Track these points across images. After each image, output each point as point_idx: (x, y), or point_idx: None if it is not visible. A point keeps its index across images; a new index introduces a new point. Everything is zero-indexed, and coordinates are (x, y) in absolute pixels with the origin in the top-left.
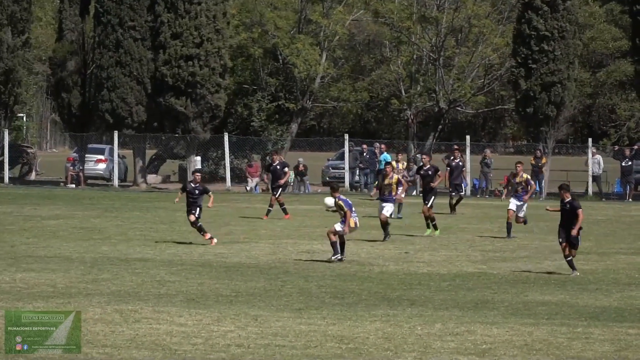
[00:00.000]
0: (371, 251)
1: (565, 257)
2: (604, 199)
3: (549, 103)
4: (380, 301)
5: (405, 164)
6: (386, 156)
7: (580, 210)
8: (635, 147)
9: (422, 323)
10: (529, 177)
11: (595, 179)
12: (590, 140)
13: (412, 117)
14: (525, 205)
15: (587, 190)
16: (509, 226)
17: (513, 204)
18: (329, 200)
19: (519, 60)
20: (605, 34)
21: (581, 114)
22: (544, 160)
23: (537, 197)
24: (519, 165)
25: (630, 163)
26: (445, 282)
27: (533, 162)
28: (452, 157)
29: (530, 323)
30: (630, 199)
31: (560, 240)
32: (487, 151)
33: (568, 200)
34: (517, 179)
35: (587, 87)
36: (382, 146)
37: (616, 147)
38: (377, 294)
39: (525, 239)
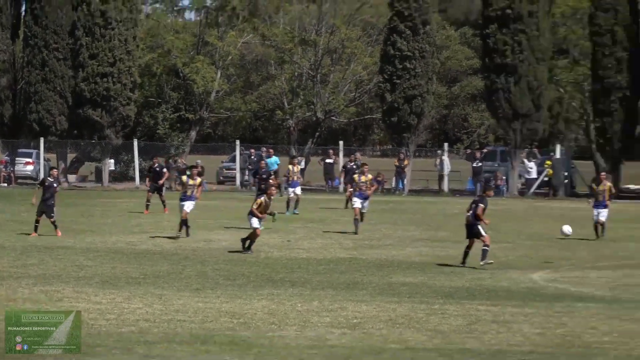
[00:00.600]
0: (258, 240)
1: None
2: (456, 195)
3: (411, 113)
4: (265, 282)
5: (299, 167)
6: (275, 159)
7: (480, 206)
8: (485, 150)
9: (302, 301)
10: (371, 176)
11: (442, 177)
12: (446, 144)
13: (293, 125)
14: (368, 201)
15: (439, 187)
16: (356, 222)
17: (358, 202)
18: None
19: (385, 77)
20: (459, 54)
21: (438, 122)
22: (406, 162)
23: (400, 194)
24: (365, 166)
25: (480, 164)
26: (321, 266)
27: (397, 163)
28: (326, 159)
29: (394, 301)
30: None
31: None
32: (357, 154)
33: (475, 199)
34: (363, 179)
35: (443, 99)
36: (271, 150)
37: (468, 151)
38: (263, 276)
39: (389, 229)
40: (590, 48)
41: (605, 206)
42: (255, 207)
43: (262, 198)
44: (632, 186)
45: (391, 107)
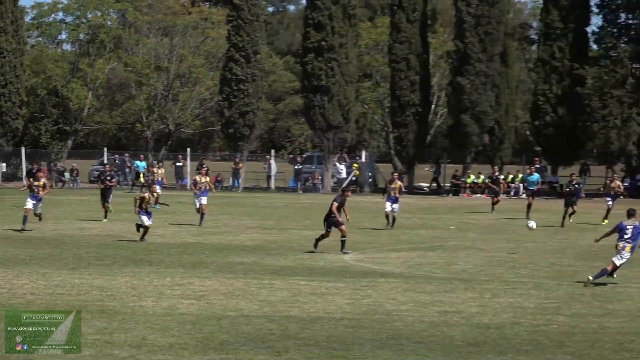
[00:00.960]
0: (122, 227)
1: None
2: (281, 192)
3: (244, 125)
4: (128, 262)
5: (162, 170)
6: (143, 164)
7: (335, 203)
8: (304, 155)
9: (157, 277)
10: (209, 179)
11: (270, 177)
12: (273, 151)
13: (150, 135)
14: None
15: (268, 185)
16: (201, 216)
17: (197, 201)
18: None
19: (224, 96)
20: (283, 77)
21: (267, 133)
22: (240, 165)
23: (236, 191)
24: (202, 170)
25: (300, 167)
26: (173, 249)
27: (233, 166)
28: (177, 163)
29: (232, 277)
30: (300, 192)
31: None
32: (202, 159)
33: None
34: (203, 179)
35: (270, 114)
36: (141, 156)
37: (291, 156)
38: (126, 258)
39: (228, 219)
40: (389, 72)
41: (396, 200)
42: (138, 203)
43: (147, 194)
44: (423, 184)
45: (228, 121)
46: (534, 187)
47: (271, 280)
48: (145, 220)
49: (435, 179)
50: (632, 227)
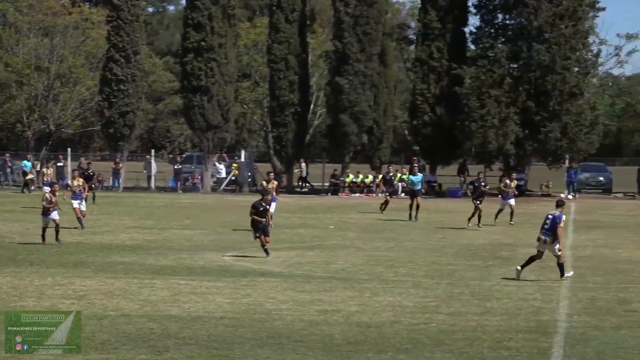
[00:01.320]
0: (3, 228)
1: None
2: (161, 191)
3: (125, 125)
4: (9, 262)
5: (50, 170)
6: (27, 163)
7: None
8: (184, 155)
9: (39, 277)
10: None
11: (150, 177)
12: (152, 151)
13: (31, 135)
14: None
15: (148, 185)
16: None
17: (76, 202)
18: None
19: (104, 96)
20: (163, 77)
21: (147, 133)
22: (120, 165)
23: (117, 190)
24: (75, 172)
25: (180, 166)
26: (54, 249)
27: (114, 166)
28: (58, 162)
29: (113, 277)
30: (180, 191)
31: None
32: (82, 159)
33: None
34: (75, 182)
35: (150, 115)
36: (28, 156)
37: (171, 156)
38: (7, 257)
39: (108, 219)
40: (268, 73)
41: (273, 200)
42: (44, 203)
43: (47, 194)
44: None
45: (109, 121)
46: (420, 187)
47: (152, 279)
48: (55, 215)
49: (303, 179)
50: (551, 217)
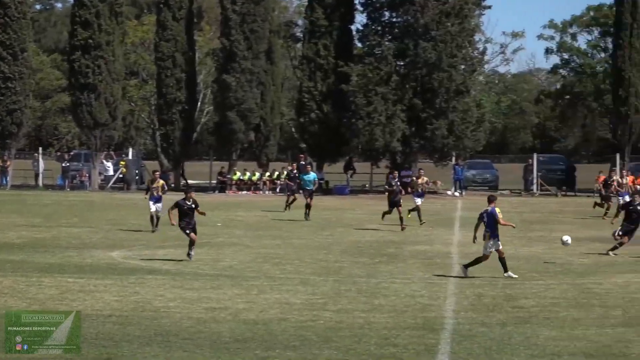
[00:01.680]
0: None
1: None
2: (49, 189)
3: (12, 123)
4: None
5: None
6: None
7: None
8: (72, 153)
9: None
10: None
11: (38, 175)
12: (40, 148)
13: None
14: None
15: (36, 183)
16: None
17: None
18: None
19: None
20: (51, 75)
21: (34, 131)
22: (9, 163)
23: (4, 189)
24: None
25: (68, 164)
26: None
27: (1, 163)
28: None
29: (0, 275)
30: (68, 189)
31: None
32: None
33: None
34: None
35: (38, 112)
36: None
37: (59, 153)
38: None
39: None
40: (155, 70)
41: (159, 199)
42: None
43: None
44: (191, 181)
45: None
46: (312, 187)
47: (40, 277)
48: None
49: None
50: (485, 214)
